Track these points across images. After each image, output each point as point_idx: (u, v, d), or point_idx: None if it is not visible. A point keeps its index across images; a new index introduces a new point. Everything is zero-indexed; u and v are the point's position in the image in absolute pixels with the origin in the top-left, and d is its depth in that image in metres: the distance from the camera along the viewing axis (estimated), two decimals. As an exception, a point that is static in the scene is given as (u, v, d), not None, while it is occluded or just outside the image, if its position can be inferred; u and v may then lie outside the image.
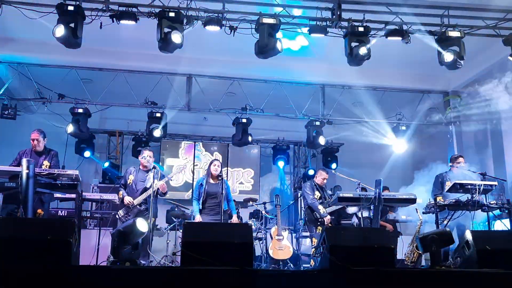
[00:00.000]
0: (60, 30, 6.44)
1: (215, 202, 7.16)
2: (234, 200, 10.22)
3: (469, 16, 7.42)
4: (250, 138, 9.95)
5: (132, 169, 7.14)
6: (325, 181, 7.96)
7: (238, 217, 9.33)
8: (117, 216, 6.81)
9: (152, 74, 9.58)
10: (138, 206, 6.78)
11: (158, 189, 6.75)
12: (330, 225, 7.51)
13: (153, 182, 6.67)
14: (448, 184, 7.08)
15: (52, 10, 6.64)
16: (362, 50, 6.89)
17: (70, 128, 9.28)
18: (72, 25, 6.47)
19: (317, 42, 7.94)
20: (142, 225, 5.48)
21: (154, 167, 6.78)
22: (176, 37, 6.69)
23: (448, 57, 7.12)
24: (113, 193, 7.11)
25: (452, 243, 5.29)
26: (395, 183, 8.67)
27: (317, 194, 7.78)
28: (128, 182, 6.99)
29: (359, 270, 4.37)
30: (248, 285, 4.09)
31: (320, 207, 7.62)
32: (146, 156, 6.98)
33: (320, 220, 7.59)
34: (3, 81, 9.35)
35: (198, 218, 7.15)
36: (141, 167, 7.07)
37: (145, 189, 6.84)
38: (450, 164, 7.42)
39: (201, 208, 7.19)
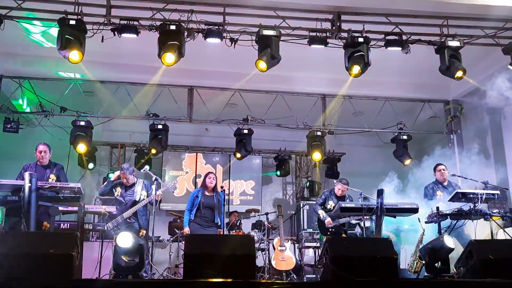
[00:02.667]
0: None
1: (210, 214, 7.18)
2: (236, 211, 10.28)
3: (468, 25, 7.45)
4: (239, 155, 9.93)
5: (118, 183, 7.19)
6: (340, 192, 7.81)
7: (240, 228, 9.33)
8: (106, 229, 6.80)
9: (154, 86, 9.61)
10: (127, 220, 6.79)
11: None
12: (331, 229, 7.50)
13: (155, 193, 6.70)
14: (439, 193, 7.12)
15: (53, 24, 6.71)
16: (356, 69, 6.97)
17: (82, 147, 9.23)
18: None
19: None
20: (122, 240, 5.28)
21: (156, 179, 6.81)
22: (168, 57, 6.74)
23: (459, 73, 7.16)
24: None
25: (448, 252, 5.30)
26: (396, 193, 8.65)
27: (331, 203, 7.72)
28: (116, 195, 7.02)
29: (362, 281, 4.36)
30: (251, 297, 4.09)
31: (320, 211, 7.64)
32: (122, 178, 7.05)
33: (331, 230, 7.56)
34: (6, 94, 9.39)
35: (186, 231, 7.19)
36: (123, 181, 7.12)
37: (135, 202, 6.86)
38: (434, 173, 7.49)
39: (193, 217, 7.21)
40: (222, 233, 7.23)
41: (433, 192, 7.31)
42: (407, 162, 9.98)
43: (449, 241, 5.55)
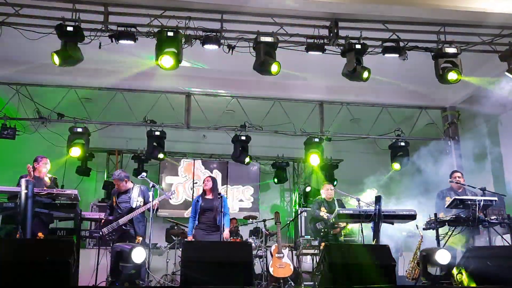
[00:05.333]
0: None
1: (211, 217, 7.18)
2: (234, 218, 10.24)
3: (465, 32, 7.48)
4: (247, 159, 9.99)
5: (116, 191, 7.17)
6: (330, 191, 7.92)
7: (238, 234, 9.30)
8: (101, 234, 6.76)
9: (151, 93, 9.62)
10: (123, 227, 6.74)
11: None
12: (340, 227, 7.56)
13: (152, 200, 6.66)
14: (448, 200, 7.09)
15: (51, 31, 6.71)
16: (365, 75, 7.00)
17: (76, 151, 9.22)
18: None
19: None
20: (137, 255, 5.36)
21: (153, 186, 6.78)
22: (166, 61, 6.77)
23: (452, 76, 7.16)
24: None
25: (442, 266, 5.28)
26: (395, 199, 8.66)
27: (323, 209, 7.75)
28: (114, 205, 7.02)
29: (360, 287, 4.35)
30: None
31: (322, 213, 7.66)
32: (117, 186, 7.05)
33: (323, 230, 7.58)
34: (3, 101, 9.37)
35: (189, 239, 7.24)
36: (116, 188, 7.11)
37: (132, 209, 6.82)
38: (449, 180, 7.45)
39: (197, 223, 7.27)
40: (227, 234, 7.31)
41: (443, 197, 7.28)
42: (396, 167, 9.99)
43: (442, 256, 5.46)
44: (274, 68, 6.97)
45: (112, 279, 5.25)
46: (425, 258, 5.57)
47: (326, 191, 7.95)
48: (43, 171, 6.79)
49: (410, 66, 7.64)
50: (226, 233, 7.29)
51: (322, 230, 7.60)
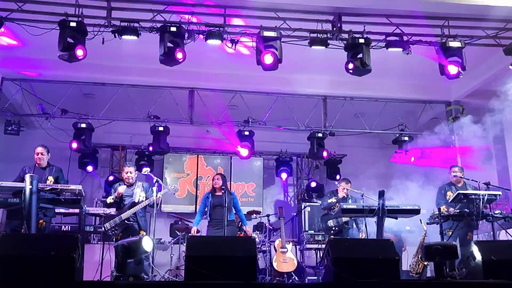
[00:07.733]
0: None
1: (221, 213, 7.30)
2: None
3: (469, 26, 7.44)
4: (246, 152, 9.95)
5: (118, 185, 7.20)
6: (345, 190, 7.79)
7: (241, 229, 9.32)
8: (103, 229, 6.78)
9: (155, 88, 9.62)
10: (126, 221, 6.76)
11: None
12: (334, 227, 7.58)
13: (156, 194, 6.67)
14: (449, 194, 7.09)
15: (54, 27, 6.72)
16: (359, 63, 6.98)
17: (74, 145, 9.30)
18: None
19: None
20: (147, 244, 5.46)
21: (157, 181, 6.79)
22: (179, 55, 6.79)
23: (452, 69, 7.12)
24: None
25: (456, 258, 5.25)
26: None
27: (334, 199, 7.80)
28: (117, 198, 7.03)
29: (363, 282, 4.35)
30: (252, 299, 4.08)
31: (330, 200, 7.74)
32: (126, 173, 7.06)
33: (334, 228, 7.59)
34: (7, 97, 9.40)
35: (194, 230, 7.48)
36: (125, 182, 7.10)
37: (134, 204, 6.84)
38: (453, 174, 7.45)
39: (209, 219, 7.49)
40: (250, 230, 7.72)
41: (445, 193, 7.28)
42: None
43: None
44: (268, 59, 6.90)
45: (119, 274, 5.25)
46: (442, 253, 5.44)
47: (342, 190, 7.80)
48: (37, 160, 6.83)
49: (413, 60, 7.61)
50: (249, 229, 7.75)
51: (333, 228, 7.59)
